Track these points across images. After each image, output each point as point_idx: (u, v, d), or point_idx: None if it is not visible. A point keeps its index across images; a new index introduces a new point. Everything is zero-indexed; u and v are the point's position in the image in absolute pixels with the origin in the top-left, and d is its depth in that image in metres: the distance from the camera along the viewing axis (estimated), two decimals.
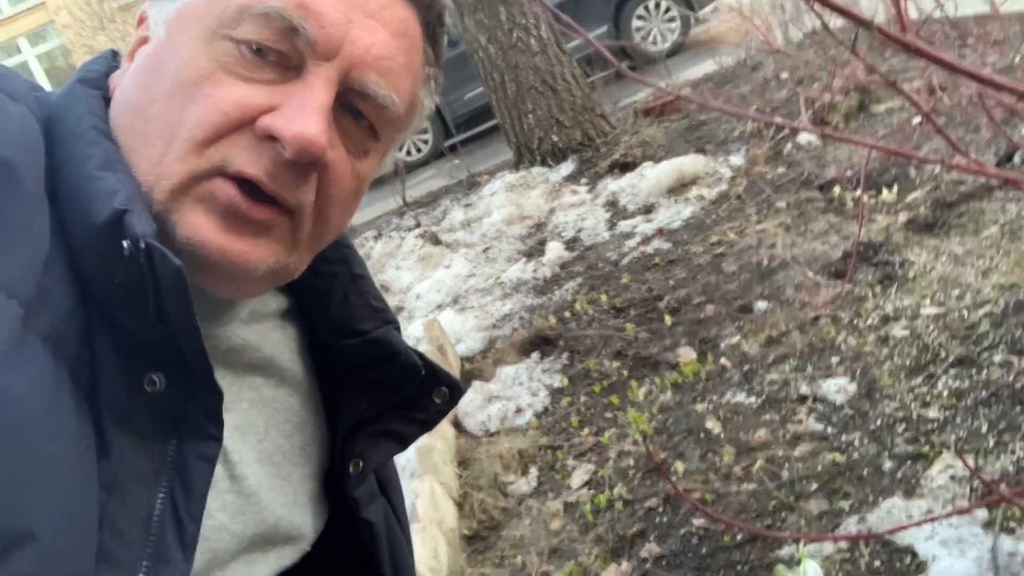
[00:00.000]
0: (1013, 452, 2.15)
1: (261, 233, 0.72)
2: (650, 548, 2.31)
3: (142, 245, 0.63)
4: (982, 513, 2.02)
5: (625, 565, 2.31)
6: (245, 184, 0.70)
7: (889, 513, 2.09)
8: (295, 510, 0.86)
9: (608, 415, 3.07)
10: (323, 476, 0.92)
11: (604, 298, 3.91)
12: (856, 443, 2.37)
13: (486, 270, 4.95)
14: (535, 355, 3.67)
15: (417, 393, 0.90)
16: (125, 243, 0.64)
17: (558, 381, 3.41)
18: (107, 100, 0.76)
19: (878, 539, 2.04)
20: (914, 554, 1.98)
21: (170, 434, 0.69)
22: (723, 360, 3.08)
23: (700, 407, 2.84)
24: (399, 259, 5.68)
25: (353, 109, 0.75)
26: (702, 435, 2.70)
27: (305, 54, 0.71)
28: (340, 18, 0.72)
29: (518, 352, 3.74)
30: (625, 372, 3.28)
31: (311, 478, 0.89)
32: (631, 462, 2.73)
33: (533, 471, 2.91)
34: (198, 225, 0.69)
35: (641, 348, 3.39)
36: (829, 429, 2.48)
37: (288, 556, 0.86)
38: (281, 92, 0.71)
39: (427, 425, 0.93)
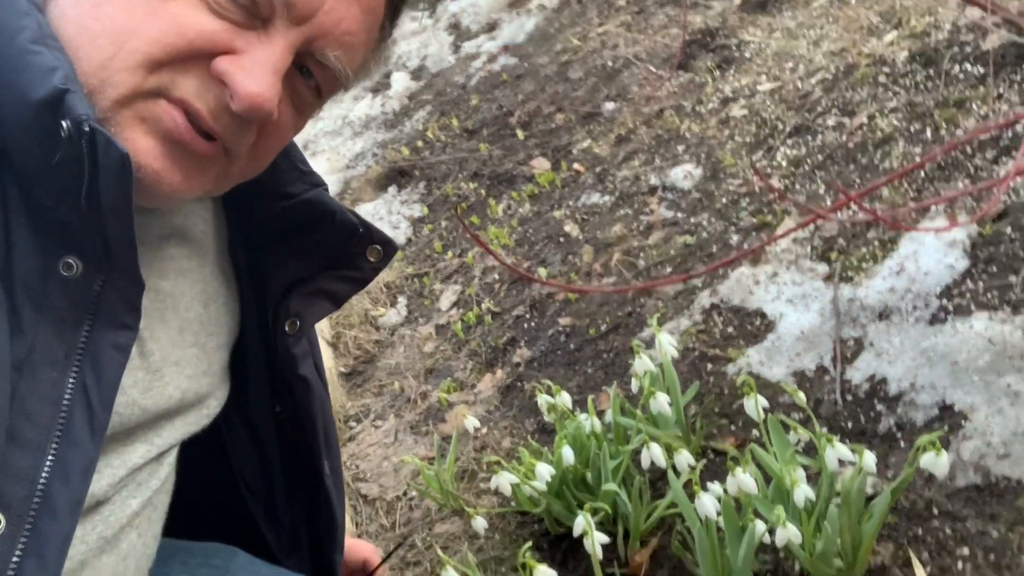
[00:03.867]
0: (848, 206, 2.25)
1: (197, 166, 0.72)
2: (521, 353, 2.36)
3: (86, 128, 0.60)
4: (823, 268, 2.13)
5: (500, 373, 2.36)
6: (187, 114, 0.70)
7: (738, 282, 2.17)
8: (204, 380, 0.87)
9: (470, 236, 3.05)
10: (232, 345, 0.93)
11: (455, 122, 3.82)
12: (704, 223, 2.44)
13: (333, 111, 4.75)
14: (392, 189, 3.60)
15: (351, 252, 0.92)
16: (64, 123, 0.60)
17: (418, 211, 3.37)
18: None
19: (730, 308, 2.13)
20: (763, 315, 2.08)
21: (83, 320, 0.68)
22: (576, 165, 3.08)
23: (558, 213, 2.86)
24: None
25: (306, 70, 0.76)
26: (561, 239, 2.73)
27: (277, 11, 0.70)
28: None
29: (375, 188, 3.66)
30: (483, 191, 3.26)
31: (223, 348, 0.91)
32: (496, 276, 2.75)
33: (402, 301, 2.91)
34: (139, 146, 0.67)
35: (496, 166, 3.36)
36: (679, 214, 2.54)
37: (195, 422, 0.88)
38: (245, 38, 0.69)
39: (362, 283, 0.96)
